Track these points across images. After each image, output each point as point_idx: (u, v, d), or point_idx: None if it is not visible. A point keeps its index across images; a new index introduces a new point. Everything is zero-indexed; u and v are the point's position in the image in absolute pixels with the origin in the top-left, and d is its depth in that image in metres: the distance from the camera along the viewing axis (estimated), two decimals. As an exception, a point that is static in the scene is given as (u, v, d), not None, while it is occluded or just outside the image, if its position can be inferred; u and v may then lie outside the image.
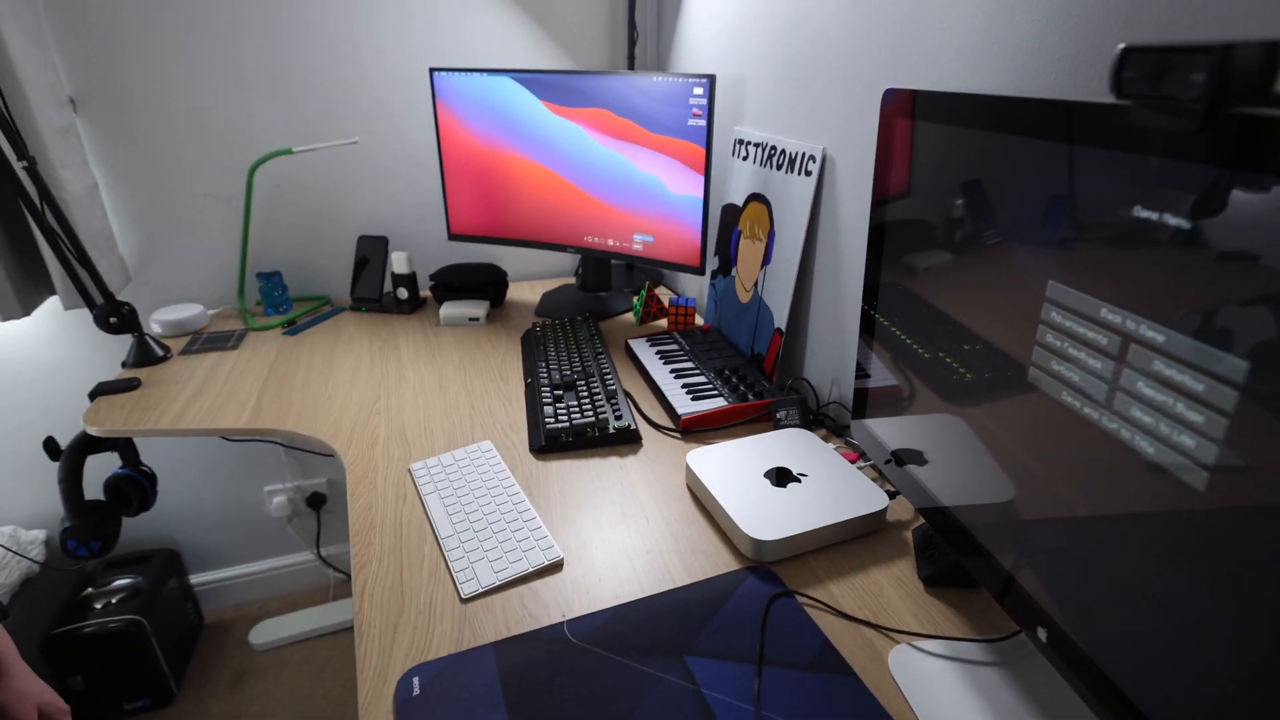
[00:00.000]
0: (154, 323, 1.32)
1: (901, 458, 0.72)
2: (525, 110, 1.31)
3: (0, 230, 1.21)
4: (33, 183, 1.10)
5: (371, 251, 1.46)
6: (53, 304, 1.36)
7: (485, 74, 1.30)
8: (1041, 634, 0.51)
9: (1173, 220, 0.35)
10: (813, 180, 0.97)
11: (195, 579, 1.67)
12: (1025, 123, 0.47)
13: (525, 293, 1.55)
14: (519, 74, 1.29)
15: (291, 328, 1.35)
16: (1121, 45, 0.40)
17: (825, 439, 0.93)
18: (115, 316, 1.18)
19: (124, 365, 1.21)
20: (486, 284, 1.44)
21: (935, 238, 0.61)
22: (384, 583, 0.70)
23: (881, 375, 0.74)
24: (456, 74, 1.32)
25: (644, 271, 1.60)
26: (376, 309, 1.44)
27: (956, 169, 0.56)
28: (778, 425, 0.92)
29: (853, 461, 0.81)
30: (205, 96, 1.33)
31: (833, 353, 0.99)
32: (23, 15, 1.14)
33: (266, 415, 1.04)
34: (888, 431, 0.75)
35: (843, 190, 0.92)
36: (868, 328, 0.74)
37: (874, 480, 0.79)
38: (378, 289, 1.45)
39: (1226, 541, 0.35)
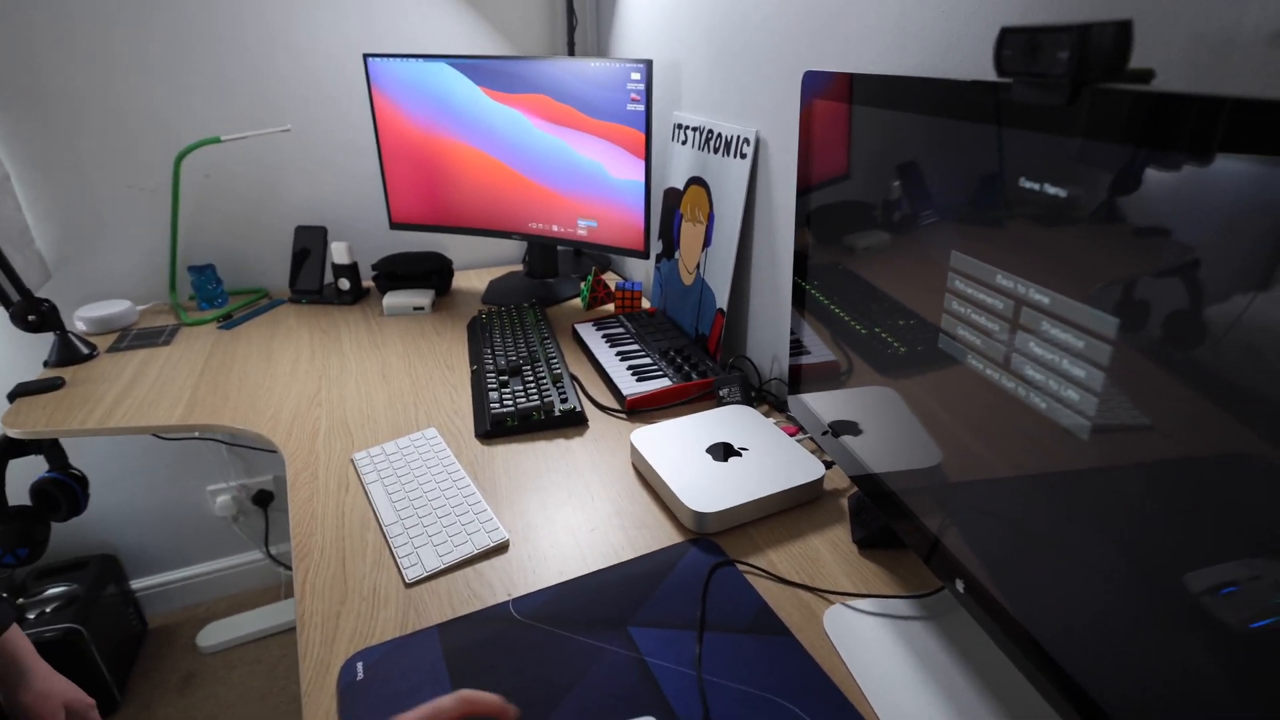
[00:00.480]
0: (78, 320, 1.27)
1: (837, 429, 0.75)
2: (463, 96, 1.29)
3: (-99, 225, 1.14)
4: (-65, 174, 1.04)
5: (310, 242, 1.42)
6: (-35, 303, 1.29)
7: (421, 59, 1.28)
8: (960, 585, 0.54)
9: (1051, 190, 0.38)
10: (748, 163, 0.99)
11: (136, 584, 1.61)
12: (923, 101, 0.50)
13: (472, 281, 1.54)
14: (456, 59, 1.27)
15: (227, 321, 1.31)
16: (1001, 26, 0.43)
17: (767, 414, 0.96)
18: (34, 314, 1.13)
19: (46, 365, 1.16)
20: (431, 273, 1.42)
21: (851, 214, 0.63)
22: (326, 572, 0.70)
23: (818, 351, 0.77)
24: (392, 60, 1.29)
25: (591, 258, 1.60)
26: (317, 300, 1.41)
27: (868, 148, 0.59)
28: (720, 403, 0.94)
29: (792, 435, 0.84)
30: (125, 83, 1.27)
31: (772, 331, 1.01)
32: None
33: (201, 411, 1.01)
34: (824, 405, 0.77)
35: (775, 172, 0.94)
36: (798, 303, 0.76)
37: (812, 452, 0.82)
38: (318, 280, 1.41)
39: (1111, 490, 0.38)
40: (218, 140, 1.31)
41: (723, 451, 0.80)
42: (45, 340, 1.34)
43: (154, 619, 1.64)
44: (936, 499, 0.57)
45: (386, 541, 0.73)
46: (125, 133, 1.30)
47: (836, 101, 0.63)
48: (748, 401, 0.93)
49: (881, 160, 0.58)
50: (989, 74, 0.61)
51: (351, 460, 0.88)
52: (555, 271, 1.47)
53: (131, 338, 1.24)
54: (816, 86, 0.66)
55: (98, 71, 1.25)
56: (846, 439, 0.74)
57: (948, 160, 0.49)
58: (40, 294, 1.25)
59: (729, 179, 1.04)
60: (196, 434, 1.52)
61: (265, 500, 1.63)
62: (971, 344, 0.49)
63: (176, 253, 1.38)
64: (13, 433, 0.99)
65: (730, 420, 0.86)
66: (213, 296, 1.37)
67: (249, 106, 1.36)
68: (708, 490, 0.73)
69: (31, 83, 1.22)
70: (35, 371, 1.36)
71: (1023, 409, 0.45)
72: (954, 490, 0.55)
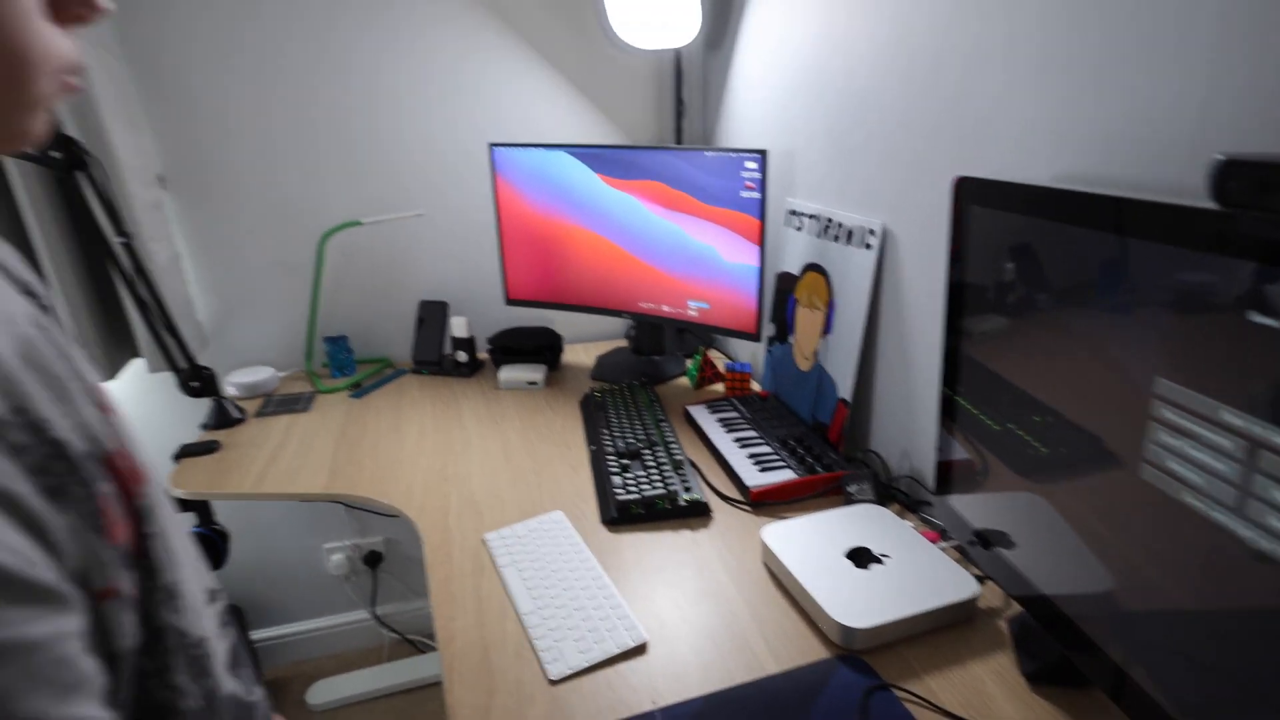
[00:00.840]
0: (230, 385, 1.38)
1: (988, 539, 0.72)
2: (580, 182, 1.36)
3: (92, 296, 1.29)
4: (129, 257, 1.18)
5: (432, 315, 1.51)
6: (137, 365, 1.43)
7: (542, 149, 1.37)
8: (1159, 738, 0.50)
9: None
10: (873, 253, 0.99)
11: (254, 634, 1.69)
12: (1121, 220, 0.49)
13: (580, 355, 1.58)
14: (575, 148, 1.35)
15: (357, 390, 1.40)
16: (1221, 156, 0.42)
17: (899, 514, 0.92)
18: (197, 380, 1.24)
19: (203, 427, 1.26)
20: (543, 348, 1.47)
21: (1016, 322, 0.62)
22: (470, 660, 0.71)
23: (965, 450, 0.74)
24: (514, 149, 1.38)
25: (695, 335, 1.62)
26: (436, 371, 1.48)
27: (1046, 262, 0.58)
28: (849, 500, 0.92)
29: (933, 541, 0.81)
30: (279, 171, 1.41)
31: (902, 425, 0.99)
32: (121, 104, 1.24)
33: (341, 480, 1.07)
34: (972, 510, 0.74)
35: (906, 264, 0.94)
36: (949, 408, 0.74)
37: (958, 563, 0.78)
38: (437, 351, 1.49)
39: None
40: (358, 223, 1.42)
41: (861, 556, 0.78)
42: (200, 402, 1.46)
43: (267, 670, 1.70)
44: (1121, 629, 0.53)
45: (525, 632, 0.74)
46: (276, 215, 1.44)
47: (1003, 210, 0.63)
48: (879, 500, 0.90)
49: (1059, 275, 0.57)
50: (1147, 182, 0.60)
51: (484, 540, 0.90)
52: (662, 349, 1.49)
53: (275, 403, 1.34)
54: (977, 193, 0.66)
55: (257, 161, 1.39)
56: (1000, 551, 0.70)
57: (1147, 283, 0.48)
58: (199, 361, 1.37)
59: (852, 268, 1.04)
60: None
61: (375, 561, 1.69)
62: (1188, 480, 0.46)
63: (315, 324, 1.49)
64: (179, 494, 1.07)
65: (865, 521, 0.84)
66: (344, 365, 1.47)
67: (384, 191, 1.48)
68: (852, 602, 0.71)
69: (201, 173, 1.38)
70: (191, 431, 1.49)
71: (1251, 549, 0.42)
72: (1141, 621, 0.51)
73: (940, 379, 0.75)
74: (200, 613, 0.43)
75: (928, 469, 0.93)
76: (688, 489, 0.96)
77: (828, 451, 1.02)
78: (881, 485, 0.93)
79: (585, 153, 1.34)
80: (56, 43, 0.32)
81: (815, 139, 1.15)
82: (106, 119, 1.18)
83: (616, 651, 0.70)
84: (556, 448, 1.15)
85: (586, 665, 0.69)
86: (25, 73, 0.31)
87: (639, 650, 0.71)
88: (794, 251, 1.22)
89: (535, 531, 0.90)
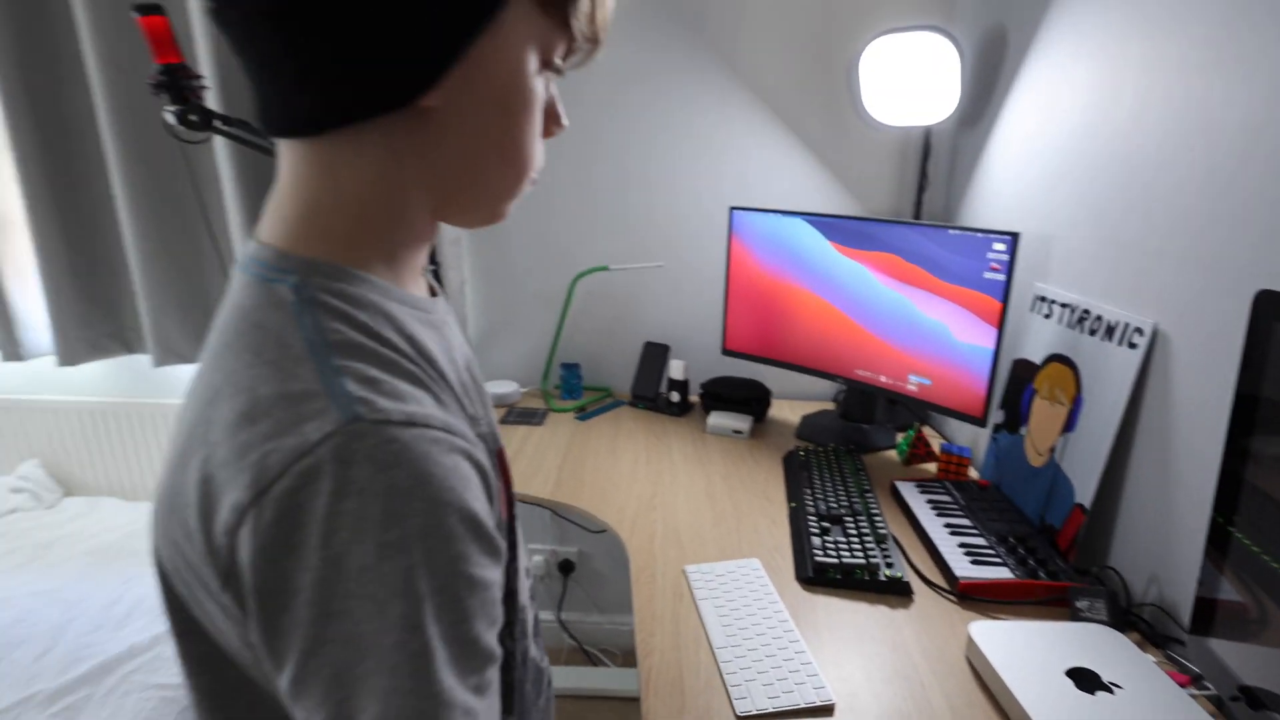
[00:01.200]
0: (484, 393, 1.63)
1: (1260, 698, 0.62)
2: (813, 248, 1.42)
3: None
4: (435, 280, 1.47)
5: (654, 356, 1.65)
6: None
7: (780, 214, 1.45)
8: None
9: None
10: (1138, 354, 0.91)
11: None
12: None
13: (785, 412, 1.62)
14: (813, 216, 1.41)
15: (583, 414, 1.57)
16: None
17: (1139, 645, 0.82)
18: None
19: (461, 426, 1.51)
20: (751, 399, 1.54)
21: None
22: (666, 676, 0.78)
23: (1236, 590, 0.65)
24: (753, 213, 1.48)
25: (908, 409, 1.57)
26: (651, 407, 1.61)
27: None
28: (1075, 616, 0.84)
29: (1182, 685, 0.71)
30: (548, 218, 1.66)
31: (1153, 546, 0.88)
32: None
33: (565, 490, 1.22)
34: (1240, 659, 0.65)
35: (1181, 370, 0.85)
36: (1220, 539, 0.66)
37: (1213, 716, 0.68)
38: (654, 389, 1.62)
39: None
40: (606, 269, 1.62)
41: (1087, 680, 0.71)
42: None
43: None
44: None
45: (717, 665, 0.79)
46: (542, 255, 1.69)
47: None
48: (1114, 624, 0.81)
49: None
50: None
51: (684, 571, 0.97)
52: (871, 418, 1.47)
53: (515, 414, 1.56)
54: None
55: (533, 208, 1.65)
56: (1275, 717, 0.60)
57: None
58: (465, 369, 1.64)
59: (1109, 366, 0.96)
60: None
61: (568, 569, 1.86)
62: None
63: (555, 350, 1.71)
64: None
65: (1094, 642, 0.76)
66: (574, 389, 1.66)
67: (630, 241, 1.67)
68: (1071, 723, 0.66)
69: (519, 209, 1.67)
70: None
71: None
72: None
73: (1212, 505, 0.67)
74: (524, 583, 0.54)
75: (1182, 602, 0.82)
76: (889, 565, 0.94)
77: (1055, 558, 0.94)
78: (1119, 608, 0.83)
79: (822, 221, 1.40)
80: (539, 152, 0.46)
81: (1079, 226, 1.08)
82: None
83: (803, 705, 0.72)
84: (757, 498, 1.19)
85: (773, 710, 0.72)
86: (524, 175, 0.46)
87: (826, 710, 0.72)
88: (1038, 340, 1.15)
89: (733, 573, 0.95)
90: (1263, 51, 0.75)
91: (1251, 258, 0.75)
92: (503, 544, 0.39)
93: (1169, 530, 0.85)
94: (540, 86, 0.44)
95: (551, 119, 0.47)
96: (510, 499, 0.49)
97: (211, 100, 1.40)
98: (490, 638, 0.37)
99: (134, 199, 1.53)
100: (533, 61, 0.42)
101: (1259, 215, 0.75)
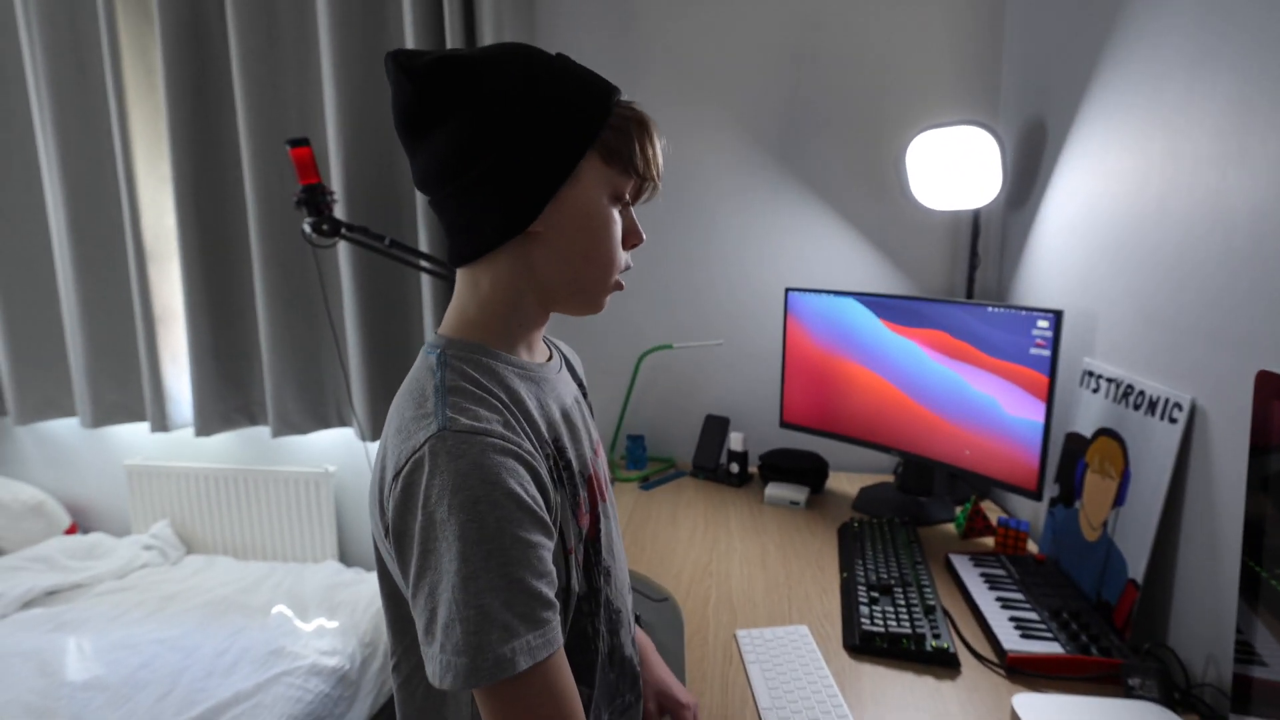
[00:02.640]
0: (554, 463, 1.76)
1: (1304, 779, 0.62)
2: (865, 326, 1.49)
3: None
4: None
5: (714, 428, 1.74)
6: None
7: (832, 295, 1.54)
8: None
9: None
10: (1178, 429, 0.93)
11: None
12: None
13: (843, 484, 1.65)
14: (864, 296, 1.49)
15: (646, 483, 1.66)
16: None
17: (1195, 726, 0.81)
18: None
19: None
20: (808, 471, 1.58)
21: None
22: (712, 733, 0.83)
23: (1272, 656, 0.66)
24: (808, 294, 1.58)
25: (969, 484, 1.57)
26: (711, 478, 1.68)
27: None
28: (1129, 694, 0.83)
29: (1232, 764, 0.70)
30: (617, 300, 1.81)
31: (1209, 624, 0.87)
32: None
33: (627, 554, 1.29)
34: (1282, 741, 0.65)
35: (1220, 446, 0.86)
36: (1249, 594, 0.67)
37: (1265, 797, 0.67)
38: (715, 460, 1.70)
39: None
40: (670, 347, 1.74)
41: (1131, 755, 0.71)
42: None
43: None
44: None
45: (762, 723, 0.84)
46: (609, 333, 1.83)
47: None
48: (1168, 704, 0.80)
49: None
50: None
51: (735, 636, 1.02)
52: (930, 491, 1.49)
53: (583, 483, 1.66)
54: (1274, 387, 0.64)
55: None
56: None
57: None
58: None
59: (1153, 440, 0.98)
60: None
61: (632, 637, 1.90)
62: None
63: (622, 423, 1.82)
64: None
65: (1144, 719, 0.76)
66: (638, 460, 1.76)
67: (691, 320, 1.79)
68: (1110, 796, 0.66)
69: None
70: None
71: None
72: None
73: (1239, 582, 0.68)
74: (622, 593, 0.73)
75: (1244, 685, 0.80)
76: (936, 635, 0.96)
77: (1108, 634, 0.93)
78: (1172, 686, 0.82)
79: (873, 300, 1.48)
80: (621, 259, 0.67)
81: (1119, 302, 1.12)
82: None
83: (842, 766, 0.76)
84: (810, 568, 1.23)
85: (813, 768, 0.76)
86: (609, 275, 0.66)
87: (865, 772, 0.75)
88: (1087, 414, 1.16)
89: (781, 639, 1.00)
90: (1263, 143, 0.80)
91: (1268, 335, 0.78)
92: (549, 521, 0.57)
93: (1223, 606, 0.84)
94: (615, 213, 0.65)
95: (630, 235, 0.68)
96: (596, 516, 0.68)
97: (338, 211, 1.66)
98: (539, 585, 0.54)
99: (270, 295, 1.81)
100: (604, 197, 0.63)
101: (1269, 294, 0.78)
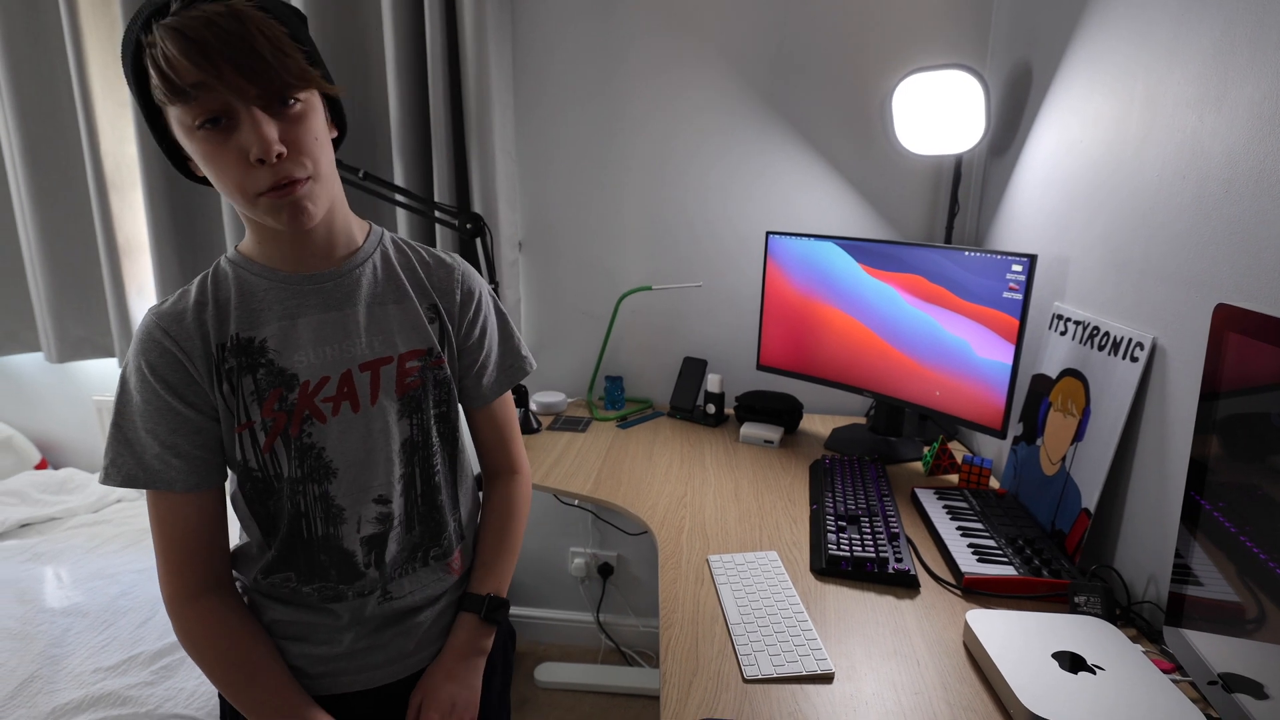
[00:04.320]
0: (534, 402, 1.77)
1: (1232, 684, 0.67)
2: (843, 270, 1.50)
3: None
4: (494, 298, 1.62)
5: (692, 370, 1.76)
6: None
7: (813, 239, 1.54)
8: None
9: None
10: (1139, 367, 0.96)
11: (505, 609, 2.05)
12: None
13: (817, 425, 1.69)
14: (844, 240, 1.50)
15: (624, 423, 1.69)
16: None
17: (1134, 640, 0.86)
18: (519, 402, 1.63)
19: (511, 430, 1.64)
20: (783, 411, 1.62)
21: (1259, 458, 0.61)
22: (683, 645, 0.87)
23: (1215, 585, 0.71)
24: (788, 238, 1.58)
25: (937, 424, 1.62)
26: (688, 418, 1.71)
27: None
28: (1074, 610, 0.89)
29: (1166, 671, 0.76)
30: (595, 242, 1.80)
31: (1152, 549, 0.92)
32: (508, 190, 1.72)
33: (603, 489, 1.32)
34: (1217, 651, 0.70)
35: (1175, 383, 0.90)
36: (1189, 521, 0.72)
37: (1194, 701, 0.72)
38: (692, 401, 1.72)
39: None
40: (649, 289, 1.74)
41: (1071, 662, 0.77)
42: (508, 411, 1.89)
43: (508, 641, 2.05)
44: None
45: (730, 638, 0.88)
46: (589, 275, 1.82)
47: (1271, 344, 0.63)
48: (1110, 619, 0.86)
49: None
50: None
51: (707, 560, 1.06)
52: (900, 431, 1.53)
53: (562, 422, 1.68)
54: (1235, 322, 0.67)
55: (582, 232, 1.79)
56: (1246, 700, 0.65)
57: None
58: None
59: (1113, 379, 1.01)
60: (576, 502, 1.92)
61: (607, 572, 1.96)
62: None
63: (600, 364, 1.83)
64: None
65: (1086, 632, 0.82)
66: (616, 400, 1.78)
67: (671, 262, 1.79)
68: (1050, 697, 0.71)
69: (544, 239, 1.82)
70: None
71: None
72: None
73: (1182, 506, 0.72)
74: (355, 496, 0.78)
75: (1180, 603, 0.86)
76: (899, 560, 1.01)
77: (1060, 559, 0.99)
78: (1115, 604, 0.88)
79: (851, 244, 1.48)
80: (245, 172, 0.67)
81: (1092, 248, 1.14)
82: (500, 201, 1.66)
83: (804, 673, 0.80)
84: (781, 500, 1.27)
85: (777, 675, 0.80)
86: (237, 192, 0.68)
87: (826, 678, 0.80)
88: (1054, 355, 1.20)
89: (751, 563, 1.04)
90: (1241, 88, 0.81)
91: (1231, 275, 0.81)
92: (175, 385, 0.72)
93: (1166, 532, 0.90)
94: (205, 139, 0.65)
95: (248, 150, 0.66)
96: (299, 415, 0.76)
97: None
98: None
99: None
100: (181, 130, 0.66)
101: (1237, 236, 0.81)
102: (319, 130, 0.69)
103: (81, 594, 1.52)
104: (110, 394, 2.06)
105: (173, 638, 1.40)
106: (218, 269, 0.77)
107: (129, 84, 0.67)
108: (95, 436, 2.15)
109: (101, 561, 1.65)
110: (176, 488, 0.72)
